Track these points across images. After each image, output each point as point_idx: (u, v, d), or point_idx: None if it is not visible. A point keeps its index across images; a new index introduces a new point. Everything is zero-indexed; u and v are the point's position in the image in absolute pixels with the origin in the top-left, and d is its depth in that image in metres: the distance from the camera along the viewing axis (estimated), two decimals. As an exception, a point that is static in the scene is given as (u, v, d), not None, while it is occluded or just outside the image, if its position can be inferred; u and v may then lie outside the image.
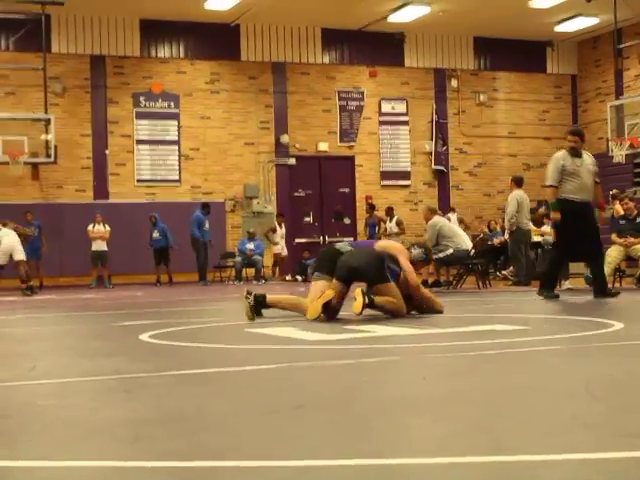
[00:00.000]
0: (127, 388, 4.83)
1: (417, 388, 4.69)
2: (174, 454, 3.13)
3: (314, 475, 2.82)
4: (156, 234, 23.91)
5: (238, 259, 24.21)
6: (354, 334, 7.53)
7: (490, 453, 3.04)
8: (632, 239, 15.22)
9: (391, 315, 9.07)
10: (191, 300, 15.61)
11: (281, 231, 25.55)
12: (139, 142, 26.07)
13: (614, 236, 15.63)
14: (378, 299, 8.97)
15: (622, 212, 16.25)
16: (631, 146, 23.25)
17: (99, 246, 23.46)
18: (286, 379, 5.11)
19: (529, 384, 4.70)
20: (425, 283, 15.57)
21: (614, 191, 18.86)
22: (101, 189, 25.58)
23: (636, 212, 15.69)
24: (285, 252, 25.53)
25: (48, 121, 23.57)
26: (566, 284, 15.18)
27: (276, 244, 25.23)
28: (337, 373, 5.31)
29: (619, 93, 27.22)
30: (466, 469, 2.85)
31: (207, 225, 23.73)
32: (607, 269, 15.07)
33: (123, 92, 25.96)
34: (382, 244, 9.99)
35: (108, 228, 23.60)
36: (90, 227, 23.56)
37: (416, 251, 9.69)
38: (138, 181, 26.01)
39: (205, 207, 23.92)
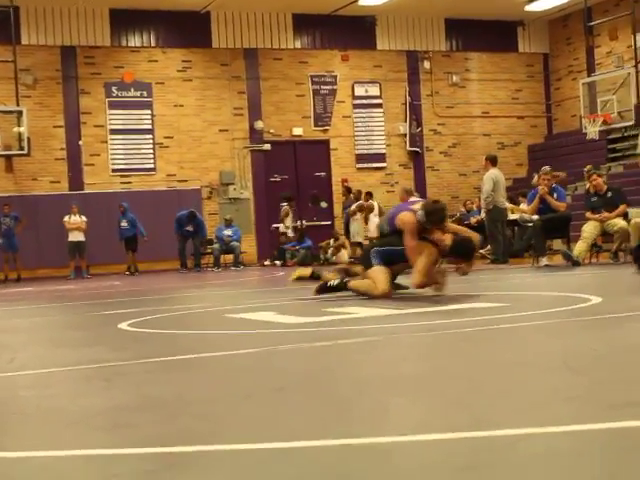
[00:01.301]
0: (107, 376, 4.82)
1: (397, 367, 4.70)
2: (155, 440, 3.12)
3: (296, 456, 2.82)
4: (124, 223, 23.82)
5: (216, 246, 24.18)
6: (333, 316, 7.54)
7: (472, 429, 3.05)
8: (607, 214, 15.28)
9: (364, 295, 9.28)
10: (170, 288, 15.58)
11: (291, 215, 25.58)
12: (113, 132, 25.93)
13: (588, 213, 15.68)
14: (352, 282, 9.30)
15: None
16: (604, 122, 23.31)
17: (76, 237, 23.37)
18: (266, 362, 5.10)
19: (509, 360, 4.72)
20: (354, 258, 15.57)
21: (588, 167, 18.93)
22: (76, 180, 25.45)
23: (606, 187, 15.74)
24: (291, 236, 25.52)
25: (20, 113, 23.39)
26: (544, 260, 15.23)
27: (288, 228, 25.20)
28: (317, 355, 5.31)
29: (591, 70, 27.26)
30: (449, 445, 2.85)
31: (189, 227, 23.74)
32: (584, 245, 15.17)
33: (95, 82, 25.80)
34: (398, 219, 9.60)
35: (84, 219, 23.51)
36: (66, 218, 23.46)
37: (419, 215, 9.29)
38: (113, 171, 25.89)
39: (191, 215, 23.86)
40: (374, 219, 23.53)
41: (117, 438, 3.22)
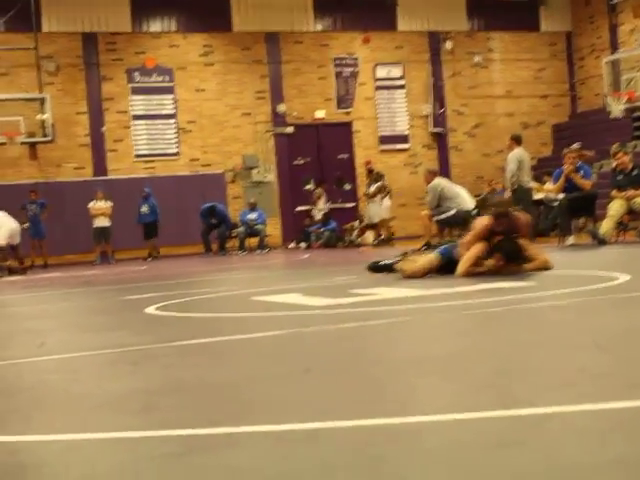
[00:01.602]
0: (133, 360, 4.83)
1: (425, 348, 4.69)
2: (183, 422, 3.13)
3: (327, 437, 2.82)
4: (145, 209, 23.82)
5: (241, 229, 24.21)
6: (360, 297, 7.53)
7: (501, 407, 3.04)
8: (633, 192, 15.18)
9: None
10: (195, 272, 15.62)
11: (325, 198, 25.56)
12: (135, 117, 25.99)
13: (614, 192, 15.58)
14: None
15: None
16: (628, 100, 23.16)
17: (101, 222, 23.46)
18: (294, 344, 5.11)
19: (536, 339, 4.70)
20: (429, 245, 15.57)
21: (615, 145, 18.77)
22: (100, 166, 25.54)
23: (632, 165, 15.63)
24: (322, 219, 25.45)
25: (43, 100, 23.50)
26: (570, 239, 15.16)
27: (321, 210, 25.17)
28: (344, 336, 5.31)
29: (614, 48, 27.08)
30: (478, 424, 2.85)
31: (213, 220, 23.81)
32: (610, 222, 15.08)
33: (116, 68, 25.84)
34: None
35: (110, 204, 23.59)
36: (91, 204, 23.55)
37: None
38: (136, 156, 25.96)
39: (211, 209, 23.87)
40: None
41: (144, 421, 3.23)
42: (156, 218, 23.81)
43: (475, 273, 8.86)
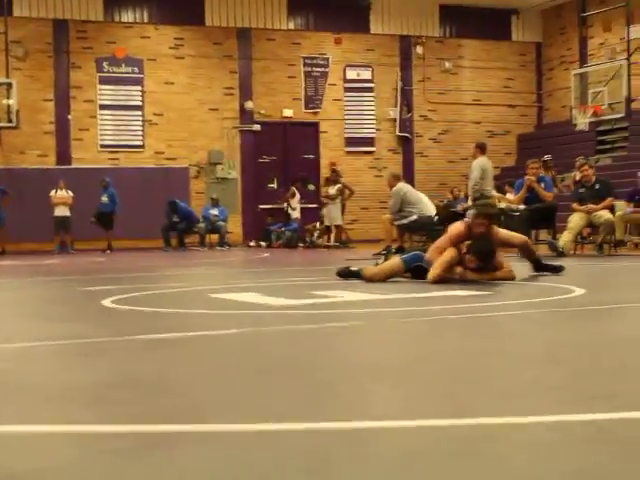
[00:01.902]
0: (89, 352, 4.81)
1: (380, 353, 4.71)
2: (136, 418, 3.12)
3: (278, 439, 2.82)
4: (104, 198, 23.54)
5: (202, 225, 24.13)
6: (319, 299, 7.54)
7: (454, 416, 3.06)
8: (593, 206, 15.34)
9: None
10: (155, 266, 15.56)
11: (298, 197, 25.35)
12: (102, 107, 25.85)
13: (575, 204, 15.75)
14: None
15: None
16: (594, 114, 23.34)
17: (62, 212, 23.28)
18: (250, 344, 5.11)
19: (491, 348, 4.73)
20: (389, 249, 15.62)
21: (581, 159, 18.95)
22: (64, 154, 25.38)
23: (594, 179, 15.79)
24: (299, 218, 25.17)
25: (10, 85, 23.30)
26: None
27: (294, 209, 24.96)
28: (302, 338, 5.32)
29: (583, 61, 27.29)
30: (429, 432, 2.86)
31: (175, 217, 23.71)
32: (569, 235, 15.23)
33: (86, 57, 25.69)
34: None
35: (71, 194, 23.41)
36: (53, 193, 23.37)
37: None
38: (101, 146, 25.83)
39: (171, 206, 23.70)
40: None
41: (98, 415, 3.21)
42: (114, 208, 23.52)
43: (446, 279, 8.88)
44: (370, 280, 9.30)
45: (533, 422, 2.95)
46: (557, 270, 9.86)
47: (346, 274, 9.75)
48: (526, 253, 9.97)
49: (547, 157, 20.56)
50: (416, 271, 9.27)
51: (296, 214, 24.92)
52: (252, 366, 4.23)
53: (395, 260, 9.66)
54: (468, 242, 9.07)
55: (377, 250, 16.08)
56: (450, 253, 8.99)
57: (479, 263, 8.93)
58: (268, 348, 4.92)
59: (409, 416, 3.10)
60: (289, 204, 25.06)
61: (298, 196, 25.29)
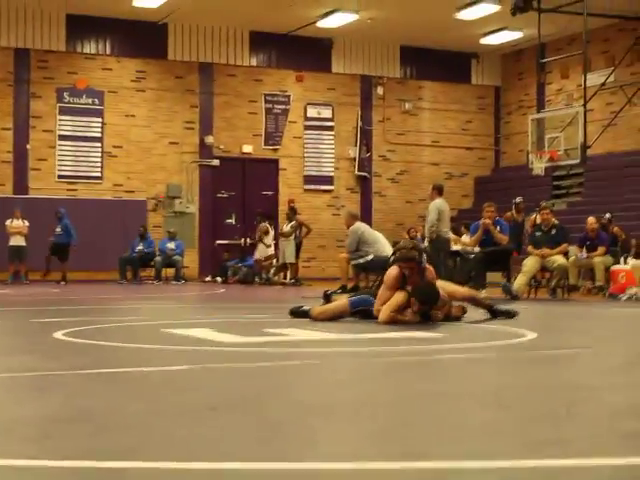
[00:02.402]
0: (39, 386, 4.78)
1: (331, 392, 4.71)
2: (85, 454, 3.10)
3: (226, 478, 2.82)
4: (59, 229, 23.30)
5: (158, 258, 24.01)
6: (272, 337, 7.54)
7: (401, 459, 3.07)
8: (548, 250, 15.49)
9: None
10: (109, 299, 15.47)
11: (272, 233, 25.12)
12: (62, 137, 25.73)
13: (530, 247, 15.91)
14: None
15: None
16: (550, 159, 23.58)
17: (17, 241, 23.07)
18: (200, 380, 5.09)
19: (442, 391, 4.75)
20: (344, 288, 15.65)
21: (544, 203, 19.12)
22: (21, 184, 25.21)
23: (552, 224, 15.96)
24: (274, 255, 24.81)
25: (-32, 113, 23.15)
26: (482, 293, 15.34)
27: (269, 246, 24.60)
28: (252, 376, 5.31)
29: (541, 106, 27.61)
30: (377, 475, 2.87)
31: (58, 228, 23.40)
32: (523, 278, 15.35)
33: (47, 87, 25.61)
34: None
35: (27, 223, 23.23)
36: (8, 222, 23.16)
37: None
38: (59, 177, 25.68)
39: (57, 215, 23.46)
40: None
41: (40, 449, 3.19)
42: (69, 240, 23.32)
43: (397, 321, 8.90)
44: (316, 319, 9.30)
45: (482, 467, 2.96)
46: (511, 315, 9.92)
47: (299, 313, 9.74)
48: (475, 303, 10.01)
49: (519, 199, 20.70)
50: (362, 314, 9.30)
51: (270, 251, 24.54)
52: (202, 403, 4.22)
53: (342, 301, 9.68)
54: (410, 287, 9.09)
55: (333, 288, 16.09)
56: (399, 296, 9.03)
57: (422, 307, 8.97)
58: (219, 385, 4.91)
59: (360, 458, 3.10)
60: (262, 241, 24.76)
61: (272, 233, 25.06)
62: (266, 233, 24.57)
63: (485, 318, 9.64)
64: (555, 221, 16.27)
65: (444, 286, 9.58)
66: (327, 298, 10.42)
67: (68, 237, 23.16)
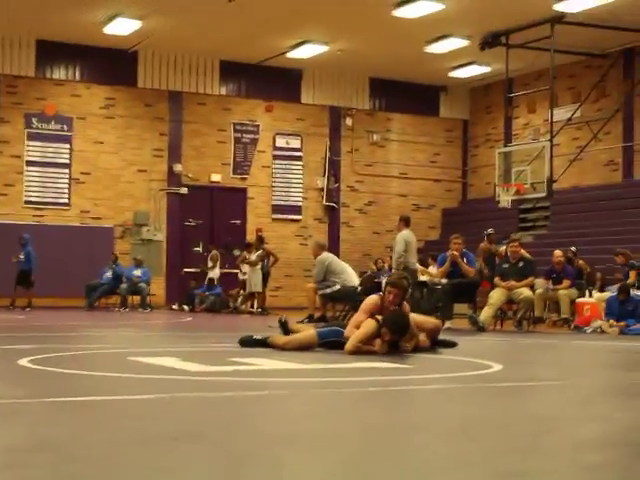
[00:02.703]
0: (2, 413, 4.74)
1: (297, 423, 4.71)
2: (47, 483, 3.08)
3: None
4: (22, 256, 23.14)
5: (124, 286, 23.87)
6: (238, 366, 7.52)
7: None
8: (514, 282, 15.58)
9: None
10: (75, 326, 15.36)
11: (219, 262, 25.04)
12: (29, 163, 25.62)
13: (497, 279, 16.00)
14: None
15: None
16: (517, 192, 23.77)
17: (-17, 267, 22.90)
18: (165, 410, 5.07)
19: (408, 422, 4.76)
20: (311, 318, 15.65)
21: (515, 235, 19.23)
22: (-13, 209, 25.06)
23: (519, 257, 16.07)
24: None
25: None
26: (447, 324, 15.40)
27: (245, 274, 24.46)
28: (217, 405, 5.30)
29: (508, 140, 27.85)
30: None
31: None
32: (490, 311, 15.43)
33: (15, 112, 25.51)
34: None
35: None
36: (-27, 247, 22.99)
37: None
38: (26, 202, 25.55)
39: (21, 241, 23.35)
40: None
41: (6, 479, 3.16)
42: (31, 266, 23.14)
43: (363, 351, 8.90)
44: (282, 348, 9.30)
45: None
46: (452, 345, 10.05)
47: (250, 343, 9.72)
48: (435, 335, 10.10)
49: (490, 230, 20.80)
50: (330, 346, 9.31)
51: (245, 277, 24.40)
52: (167, 433, 4.20)
53: (310, 332, 9.68)
54: (382, 316, 9.13)
55: (300, 318, 16.08)
56: (369, 325, 9.05)
57: (393, 336, 8.99)
58: (184, 415, 4.89)
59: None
60: (240, 269, 24.67)
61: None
62: (244, 261, 24.26)
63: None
64: (525, 253, 16.38)
65: (414, 317, 9.64)
66: (283, 326, 10.40)
67: (29, 264, 22.98)
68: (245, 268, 24.28)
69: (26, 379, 6.56)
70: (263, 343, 9.65)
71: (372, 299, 9.50)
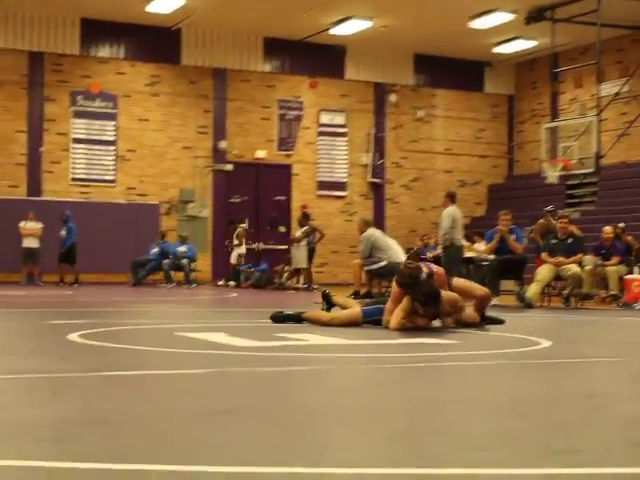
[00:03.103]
0: (53, 388, 4.78)
1: (344, 398, 4.70)
2: (97, 456, 3.10)
3: (239, 481, 2.82)
4: (63, 232, 23.38)
5: (167, 261, 23.97)
6: (285, 342, 7.53)
7: (415, 465, 3.06)
8: (562, 259, 15.45)
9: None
10: (121, 301, 15.48)
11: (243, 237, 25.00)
12: (75, 141, 25.81)
13: (544, 255, 15.85)
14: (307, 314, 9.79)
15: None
16: (564, 168, 23.54)
17: (30, 243, 23.15)
18: (214, 385, 5.09)
19: (456, 398, 4.74)
20: (357, 294, 15.64)
21: (563, 211, 19.01)
22: (34, 186, 25.28)
23: (568, 233, 15.92)
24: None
25: (-17, 115, 23.23)
26: (494, 300, 15.31)
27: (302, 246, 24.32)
28: (266, 380, 5.31)
29: (554, 115, 27.58)
30: (391, 480, 2.87)
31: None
32: (537, 287, 15.30)
33: (61, 90, 25.68)
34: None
35: (40, 225, 23.29)
36: (22, 224, 23.24)
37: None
38: (73, 180, 25.75)
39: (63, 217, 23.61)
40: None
41: (60, 451, 3.19)
42: (73, 242, 23.31)
43: (407, 327, 8.87)
44: (326, 325, 9.29)
45: (496, 474, 2.95)
46: (499, 322, 9.95)
47: (281, 319, 9.72)
48: (482, 305, 9.98)
49: (551, 207, 20.51)
50: (376, 323, 9.29)
51: (300, 255, 24.23)
52: (215, 407, 4.22)
53: (355, 310, 9.64)
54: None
55: (346, 294, 16.06)
56: (405, 301, 8.99)
57: (427, 308, 8.89)
58: (232, 389, 4.90)
59: (372, 464, 3.10)
60: (298, 244, 24.45)
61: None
62: (303, 238, 24.14)
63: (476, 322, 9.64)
64: (574, 230, 16.23)
65: (459, 283, 9.57)
66: (326, 298, 10.38)
67: (71, 239, 23.17)
68: (303, 241, 24.06)
69: (76, 354, 6.62)
70: (295, 318, 9.65)
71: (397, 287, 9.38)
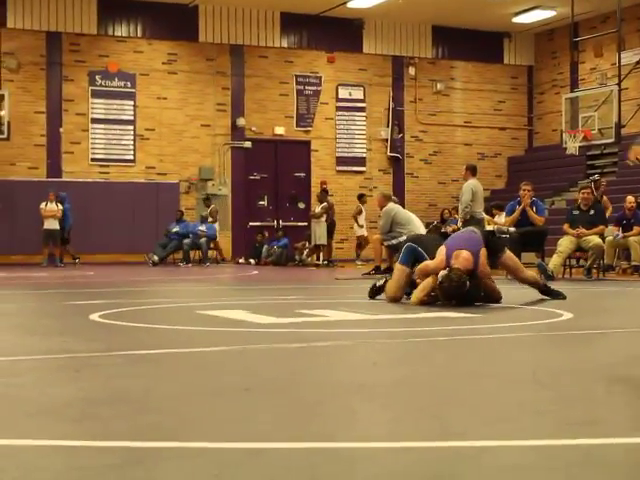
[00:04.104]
0: (76, 367, 4.80)
1: (367, 373, 4.71)
2: (122, 434, 3.12)
3: (263, 457, 2.82)
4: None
5: (187, 241, 24.02)
6: (306, 318, 7.54)
7: (439, 438, 3.07)
8: (584, 230, 15.38)
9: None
10: (142, 281, 15.54)
11: (364, 213, 24.81)
12: (94, 121, 25.83)
13: (566, 226, 15.78)
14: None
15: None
16: (584, 138, 23.37)
17: (51, 225, 23.21)
18: (236, 361, 5.10)
19: (477, 370, 4.74)
20: (378, 269, 15.63)
21: (585, 182, 18.83)
22: (54, 167, 25.35)
23: (590, 204, 15.84)
24: (366, 234, 24.22)
25: (2, 97, 23.25)
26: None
27: (361, 226, 24.41)
28: (288, 356, 5.32)
29: (574, 86, 27.40)
30: (415, 454, 2.87)
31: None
32: (558, 259, 15.26)
33: (79, 70, 25.70)
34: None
35: (61, 207, 23.36)
36: (42, 205, 23.30)
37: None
38: (92, 160, 25.80)
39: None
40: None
41: (84, 430, 3.21)
42: (69, 223, 23.32)
43: (428, 302, 8.82)
44: (420, 303, 8.88)
45: (517, 446, 2.95)
46: (558, 296, 9.82)
47: (375, 292, 9.71)
48: (530, 283, 9.94)
49: (597, 177, 20.28)
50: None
51: (362, 231, 24.15)
52: (238, 384, 4.23)
53: (427, 281, 9.06)
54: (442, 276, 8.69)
55: (366, 270, 16.06)
56: (431, 280, 8.87)
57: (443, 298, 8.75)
58: (254, 366, 4.91)
59: (395, 437, 3.10)
60: (356, 221, 24.37)
61: (364, 212, 24.60)
62: (359, 213, 24.16)
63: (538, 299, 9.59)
64: (605, 199, 16.07)
65: (506, 259, 9.49)
66: (378, 290, 9.98)
67: (68, 220, 23.20)
68: (360, 220, 23.96)
69: (98, 333, 6.65)
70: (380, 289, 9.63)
71: (438, 260, 9.04)
